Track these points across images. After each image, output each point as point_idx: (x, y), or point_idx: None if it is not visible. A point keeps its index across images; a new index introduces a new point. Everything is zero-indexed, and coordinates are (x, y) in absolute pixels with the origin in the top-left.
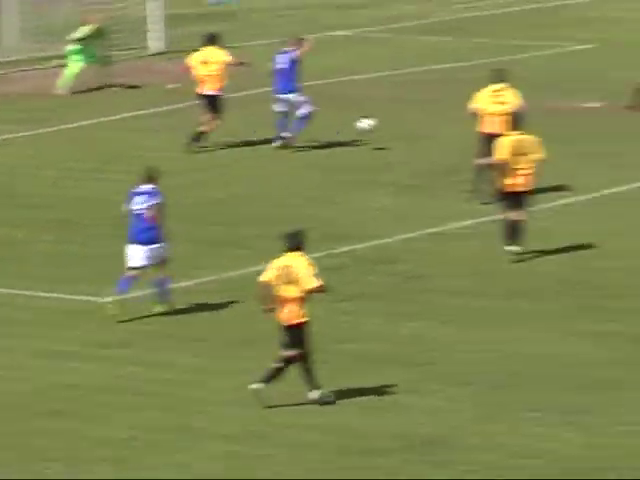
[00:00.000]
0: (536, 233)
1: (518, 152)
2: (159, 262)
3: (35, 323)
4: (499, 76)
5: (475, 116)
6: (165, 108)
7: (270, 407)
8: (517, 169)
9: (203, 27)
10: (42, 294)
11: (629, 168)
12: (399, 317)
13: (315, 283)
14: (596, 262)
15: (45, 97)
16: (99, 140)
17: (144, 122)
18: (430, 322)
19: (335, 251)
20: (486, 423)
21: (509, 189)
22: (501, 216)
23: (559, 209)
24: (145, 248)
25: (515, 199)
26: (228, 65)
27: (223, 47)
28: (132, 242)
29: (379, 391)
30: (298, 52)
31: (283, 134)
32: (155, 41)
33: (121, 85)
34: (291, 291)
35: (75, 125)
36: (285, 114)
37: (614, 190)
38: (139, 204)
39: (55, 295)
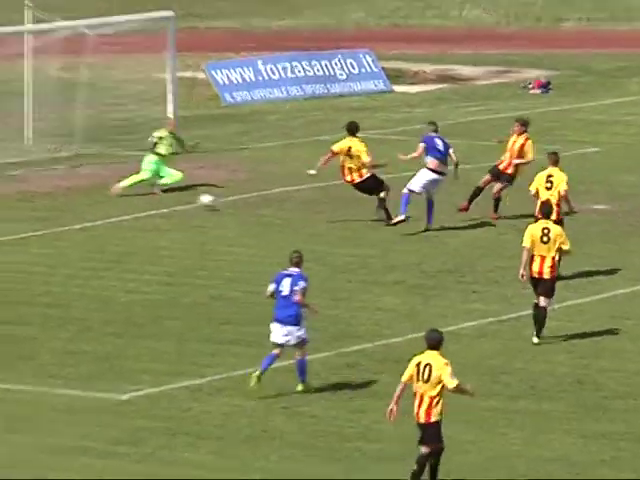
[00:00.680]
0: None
1: (544, 240)
2: (298, 343)
3: (49, 420)
4: (553, 159)
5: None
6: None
7: None
8: (542, 256)
9: (218, 130)
10: (57, 391)
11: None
12: (407, 416)
13: (454, 383)
14: (599, 362)
15: (62, 196)
16: (113, 239)
17: (157, 221)
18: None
19: (346, 350)
20: None
21: (534, 275)
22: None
23: (565, 309)
24: (287, 328)
25: (539, 285)
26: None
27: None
28: (275, 321)
29: None
30: None
31: None
32: None
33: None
34: (429, 390)
35: (89, 225)
36: None
37: (622, 291)
38: (286, 286)
39: (70, 392)
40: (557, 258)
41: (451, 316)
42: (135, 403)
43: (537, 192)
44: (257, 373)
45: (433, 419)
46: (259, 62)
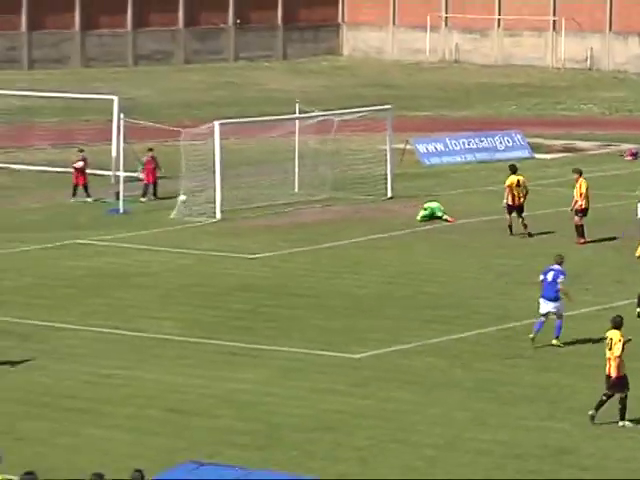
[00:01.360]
0: None
1: None
2: (556, 313)
3: (311, 371)
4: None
5: None
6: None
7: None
8: None
9: (420, 182)
10: (316, 352)
11: None
12: (542, 369)
13: (619, 352)
14: None
15: (319, 225)
16: (349, 254)
17: (377, 242)
18: (560, 373)
19: (502, 327)
20: None
21: None
22: None
23: None
24: (550, 304)
25: None
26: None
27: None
28: (542, 297)
29: None
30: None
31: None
32: (389, 190)
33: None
34: (611, 354)
35: (336, 244)
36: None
37: None
38: (550, 276)
39: (323, 352)
40: None
41: (571, 305)
42: (363, 360)
43: None
44: (532, 336)
45: (613, 374)
46: (447, 139)
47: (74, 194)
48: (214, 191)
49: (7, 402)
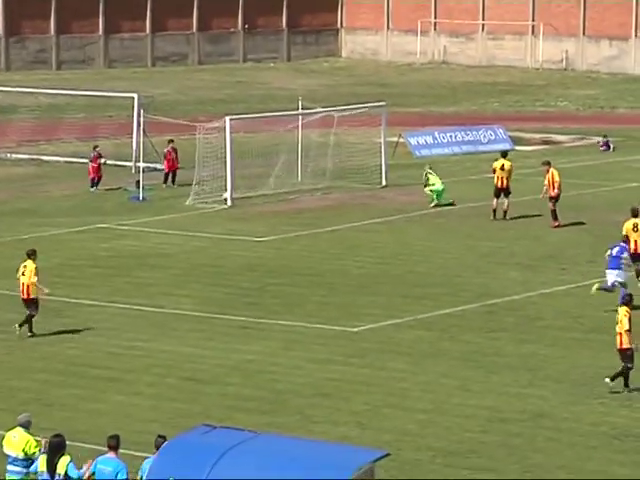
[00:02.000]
0: None
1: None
2: (621, 282)
3: (311, 342)
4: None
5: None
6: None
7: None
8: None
9: (411, 172)
10: (316, 325)
11: None
12: (522, 341)
13: (627, 326)
14: None
15: (319, 211)
16: (347, 237)
17: (373, 226)
18: (540, 345)
19: (485, 303)
20: None
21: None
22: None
23: None
24: (614, 272)
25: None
26: None
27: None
28: (609, 269)
29: None
30: None
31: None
32: (383, 179)
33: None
34: (620, 328)
35: (335, 228)
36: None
37: None
38: (615, 250)
39: (323, 326)
40: None
41: (549, 283)
42: (361, 333)
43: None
44: (596, 286)
45: (622, 347)
46: (435, 132)
47: (97, 185)
48: (225, 180)
49: (39, 372)
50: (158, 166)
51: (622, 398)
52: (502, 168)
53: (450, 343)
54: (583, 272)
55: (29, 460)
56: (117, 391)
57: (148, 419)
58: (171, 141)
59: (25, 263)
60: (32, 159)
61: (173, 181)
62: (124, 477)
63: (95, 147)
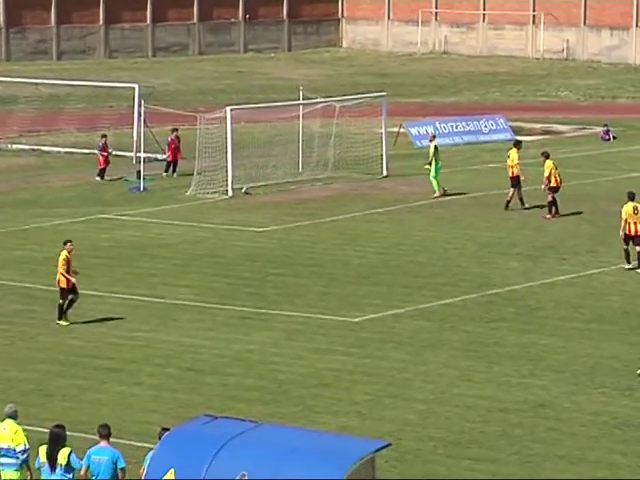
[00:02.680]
0: None
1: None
2: None
3: (312, 332)
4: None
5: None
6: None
7: None
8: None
9: (412, 162)
10: (317, 316)
11: None
12: (523, 331)
13: None
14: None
15: (320, 201)
16: (348, 227)
17: (373, 216)
18: (541, 335)
19: (486, 293)
20: None
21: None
22: None
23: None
24: None
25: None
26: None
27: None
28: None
29: None
30: None
31: None
32: (384, 170)
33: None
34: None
35: (336, 218)
36: None
37: None
38: None
39: (324, 316)
40: None
41: (549, 273)
42: (362, 324)
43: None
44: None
45: None
46: (437, 122)
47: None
48: (226, 170)
49: (40, 362)
50: (159, 156)
51: (623, 388)
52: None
53: (451, 333)
54: (584, 262)
55: (23, 452)
56: (118, 381)
57: (149, 409)
58: (175, 130)
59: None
60: (33, 150)
61: (174, 171)
62: (123, 465)
63: (104, 136)
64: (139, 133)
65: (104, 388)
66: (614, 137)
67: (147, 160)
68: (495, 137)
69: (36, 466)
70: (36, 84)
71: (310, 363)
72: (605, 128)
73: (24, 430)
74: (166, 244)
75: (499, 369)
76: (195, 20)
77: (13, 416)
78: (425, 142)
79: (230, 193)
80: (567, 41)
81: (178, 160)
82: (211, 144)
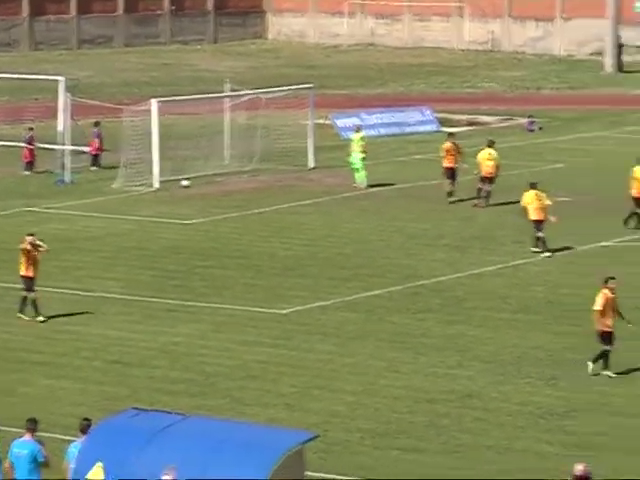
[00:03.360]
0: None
1: None
2: None
3: (241, 324)
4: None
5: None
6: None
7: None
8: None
9: (338, 154)
10: (245, 307)
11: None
12: (450, 322)
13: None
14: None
15: (247, 193)
16: (273, 219)
17: (297, 208)
18: (468, 325)
19: (412, 284)
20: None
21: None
22: None
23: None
24: None
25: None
26: None
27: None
28: None
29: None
30: None
31: None
32: (311, 161)
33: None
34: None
35: (263, 210)
36: None
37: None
38: None
39: (251, 308)
40: None
41: (477, 264)
42: (288, 315)
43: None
44: None
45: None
46: (362, 114)
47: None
48: (152, 163)
49: None
50: (85, 149)
51: (547, 377)
52: (456, 150)
53: (377, 325)
54: (511, 252)
55: None
56: (46, 375)
57: (76, 403)
58: (97, 124)
59: None
60: None
61: (98, 164)
62: (42, 459)
63: (30, 129)
64: (64, 126)
65: (33, 381)
66: (540, 128)
67: (73, 153)
68: (421, 128)
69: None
70: None
71: (237, 355)
72: (530, 119)
73: None
74: (92, 237)
75: (426, 360)
76: (120, 12)
77: None
78: (352, 134)
79: (156, 185)
80: (492, 32)
81: (101, 153)
82: (137, 137)
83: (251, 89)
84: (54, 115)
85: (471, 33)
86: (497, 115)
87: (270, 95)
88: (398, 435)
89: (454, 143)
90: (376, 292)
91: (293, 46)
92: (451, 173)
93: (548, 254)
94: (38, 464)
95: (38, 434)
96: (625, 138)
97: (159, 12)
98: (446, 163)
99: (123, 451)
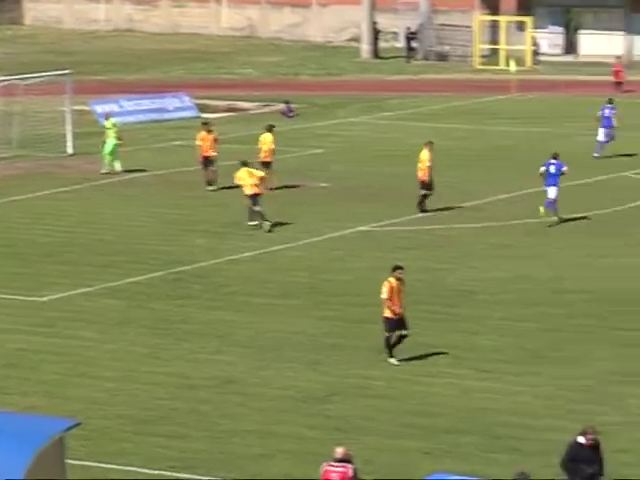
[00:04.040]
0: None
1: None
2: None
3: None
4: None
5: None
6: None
7: None
8: None
9: (97, 140)
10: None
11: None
12: (210, 308)
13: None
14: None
15: (4, 180)
16: (35, 205)
17: (59, 195)
18: (228, 311)
19: (172, 270)
20: None
21: None
22: None
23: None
24: (554, 189)
25: None
26: None
27: None
28: (547, 185)
29: None
30: None
31: None
32: (69, 148)
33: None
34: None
35: (20, 197)
36: None
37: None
38: (553, 168)
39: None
40: None
41: (236, 250)
42: (49, 303)
43: None
44: (542, 210)
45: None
46: (121, 100)
47: None
48: None
49: None
50: None
51: (309, 362)
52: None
53: (138, 311)
54: (270, 238)
55: None
56: None
57: None
58: None
59: None
60: None
61: None
62: None
63: None
64: None
65: None
66: (297, 114)
67: None
68: (180, 115)
69: None
70: None
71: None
72: (287, 105)
73: None
74: None
75: (187, 346)
76: None
77: None
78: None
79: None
80: (250, 18)
81: None
82: None
83: (7, 75)
84: None
85: (229, 19)
86: (256, 101)
87: (27, 82)
88: (160, 421)
89: (209, 131)
90: (137, 279)
91: (50, 32)
92: (207, 161)
93: (268, 224)
94: None
95: None
96: (382, 124)
97: None
98: (202, 152)
99: None
